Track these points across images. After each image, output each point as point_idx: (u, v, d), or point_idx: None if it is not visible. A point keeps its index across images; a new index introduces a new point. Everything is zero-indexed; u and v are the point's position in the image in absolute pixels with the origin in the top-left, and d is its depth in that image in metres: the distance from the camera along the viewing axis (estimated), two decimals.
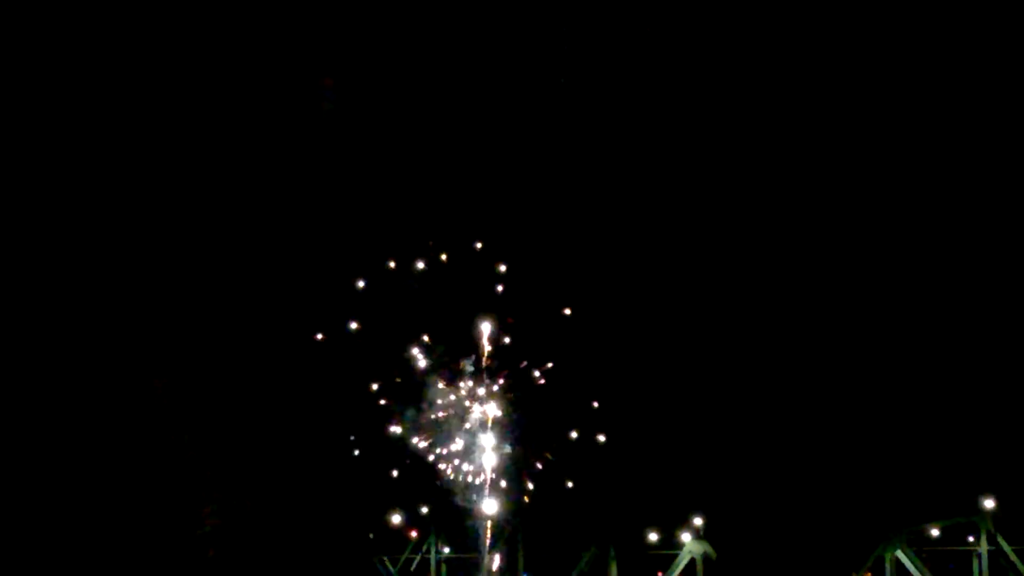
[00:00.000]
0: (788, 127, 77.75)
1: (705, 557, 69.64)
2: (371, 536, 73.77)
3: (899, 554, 67.77)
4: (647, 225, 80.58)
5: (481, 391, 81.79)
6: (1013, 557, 66.51)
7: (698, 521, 70.47)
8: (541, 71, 79.56)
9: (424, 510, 78.02)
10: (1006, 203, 75.26)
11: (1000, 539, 66.80)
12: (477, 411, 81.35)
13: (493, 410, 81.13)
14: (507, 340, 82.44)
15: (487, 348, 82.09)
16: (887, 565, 68.16)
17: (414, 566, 76.17)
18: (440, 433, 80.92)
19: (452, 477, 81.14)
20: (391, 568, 75.35)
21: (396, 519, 75.16)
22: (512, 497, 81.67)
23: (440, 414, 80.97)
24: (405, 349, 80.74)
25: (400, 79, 74.97)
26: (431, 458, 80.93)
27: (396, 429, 79.71)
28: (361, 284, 78.33)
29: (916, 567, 67.36)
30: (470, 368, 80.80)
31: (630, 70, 78.31)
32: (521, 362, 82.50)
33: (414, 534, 76.65)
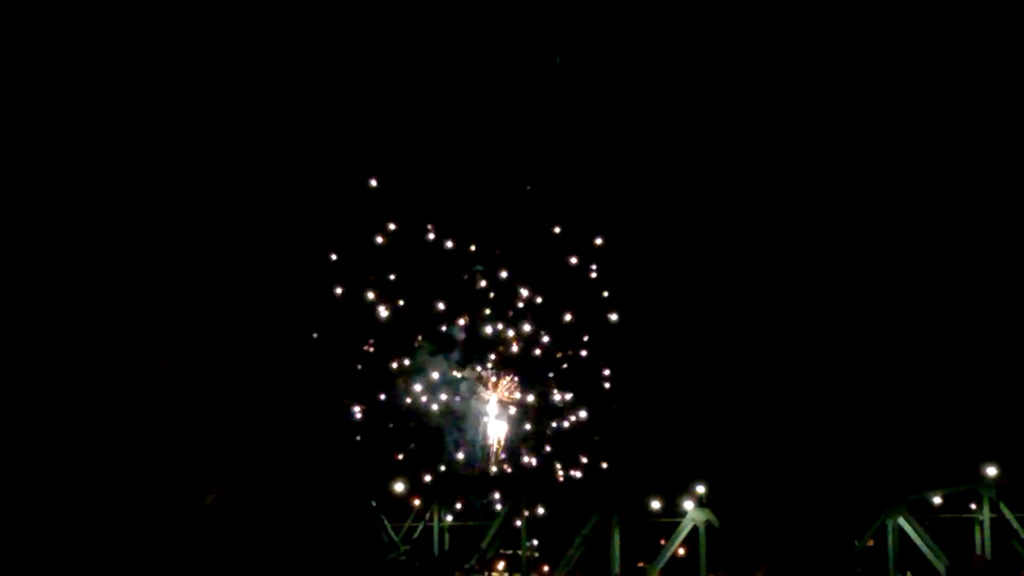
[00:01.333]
0: (787, 123, 77.76)
1: (708, 525, 69.69)
2: (374, 504, 73.85)
3: (901, 522, 67.75)
4: (647, 202, 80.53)
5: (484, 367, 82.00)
6: (1016, 524, 66.50)
7: (700, 489, 70.48)
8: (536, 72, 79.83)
9: (428, 479, 78.25)
10: (1005, 183, 75.23)
11: (1003, 506, 66.78)
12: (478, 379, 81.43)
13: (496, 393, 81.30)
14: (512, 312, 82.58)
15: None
16: (889, 533, 68.13)
17: (417, 534, 76.25)
18: (443, 402, 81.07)
19: (456, 446, 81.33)
20: (394, 536, 75.42)
21: (399, 487, 75.33)
22: (515, 466, 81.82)
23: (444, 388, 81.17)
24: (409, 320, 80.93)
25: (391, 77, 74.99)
26: (435, 426, 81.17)
27: (402, 399, 79.99)
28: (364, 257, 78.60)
29: (918, 535, 67.38)
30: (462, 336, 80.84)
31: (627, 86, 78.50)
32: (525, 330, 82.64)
33: (417, 502, 76.77)
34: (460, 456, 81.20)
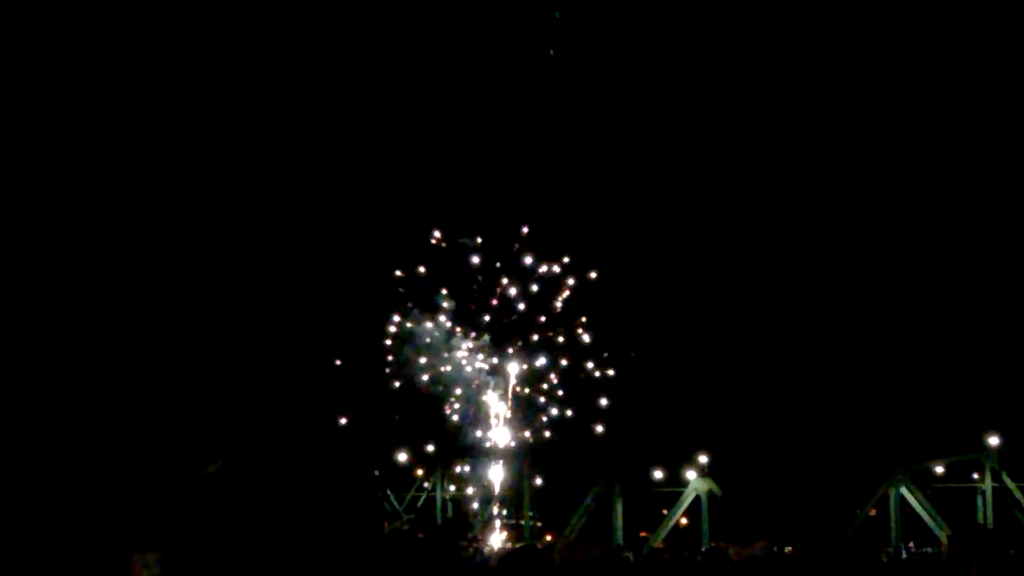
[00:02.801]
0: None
1: (710, 494, 69.88)
2: (377, 473, 73.97)
3: (903, 491, 67.91)
4: (646, 174, 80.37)
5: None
6: (1017, 494, 66.63)
7: (703, 459, 70.64)
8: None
9: (430, 448, 78.30)
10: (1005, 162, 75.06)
11: (1004, 476, 66.91)
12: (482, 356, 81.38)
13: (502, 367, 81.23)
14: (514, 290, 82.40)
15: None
16: (891, 502, 68.33)
17: (420, 503, 76.49)
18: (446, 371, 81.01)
19: (458, 415, 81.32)
20: (397, 505, 75.66)
21: (402, 457, 75.45)
22: (518, 435, 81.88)
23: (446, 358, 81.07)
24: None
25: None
26: (438, 396, 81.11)
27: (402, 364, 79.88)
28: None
29: (920, 504, 67.53)
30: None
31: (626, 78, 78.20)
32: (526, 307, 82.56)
33: (420, 472, 76.94)
34: (460, 425, 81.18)
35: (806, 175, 78.10)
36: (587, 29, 76.40)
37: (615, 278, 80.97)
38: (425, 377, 79.81)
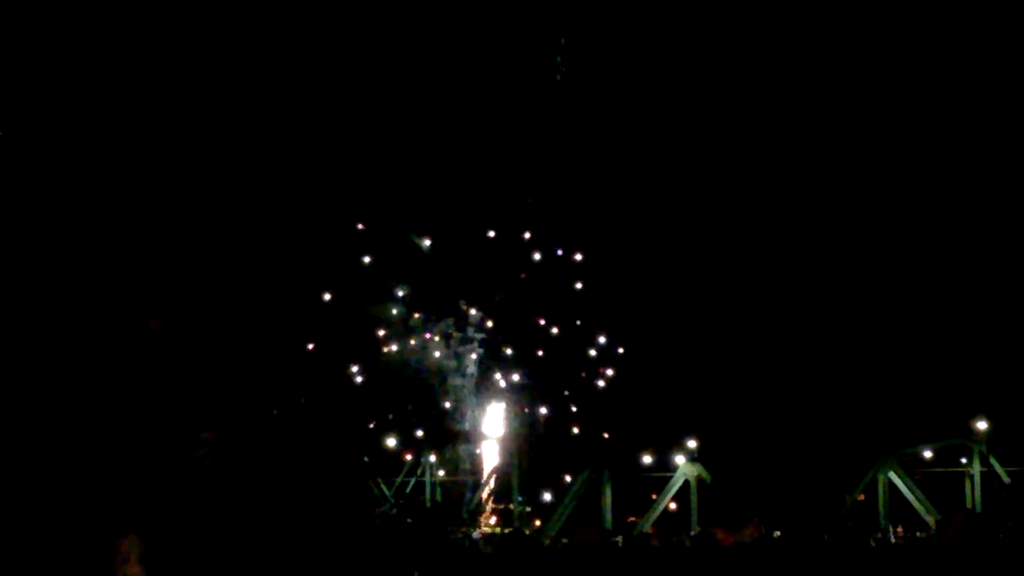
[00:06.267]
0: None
1: (699, 479, 69.86)
2: (366, 459, 73.98)
3: (892, 476, 67.97)
4: (633, 162, 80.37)
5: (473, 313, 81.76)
6: (1006, 478, 66.72)
7: (692, 444, 70.62)
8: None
9: (419, 433, 78.31)
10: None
11: (993, 460, 66.98)
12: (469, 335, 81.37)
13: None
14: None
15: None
16: (880, 487, 68.35)
17: (409, 488, 76.50)
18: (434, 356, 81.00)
19: (447, 401, 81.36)
20: (386, 491, 75.65)
21: (391, 442, 75.46)
22: (506, 421, 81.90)
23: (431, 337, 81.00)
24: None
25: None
26: (426, 381, 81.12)
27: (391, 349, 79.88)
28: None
29: (909, 489, 67.58)
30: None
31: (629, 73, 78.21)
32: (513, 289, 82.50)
33: (409, 457, 76.94)
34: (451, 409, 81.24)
35: (791, 162, 78.18)
36: (592, 32, 76.46)
37: (603, 263, 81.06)
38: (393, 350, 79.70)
